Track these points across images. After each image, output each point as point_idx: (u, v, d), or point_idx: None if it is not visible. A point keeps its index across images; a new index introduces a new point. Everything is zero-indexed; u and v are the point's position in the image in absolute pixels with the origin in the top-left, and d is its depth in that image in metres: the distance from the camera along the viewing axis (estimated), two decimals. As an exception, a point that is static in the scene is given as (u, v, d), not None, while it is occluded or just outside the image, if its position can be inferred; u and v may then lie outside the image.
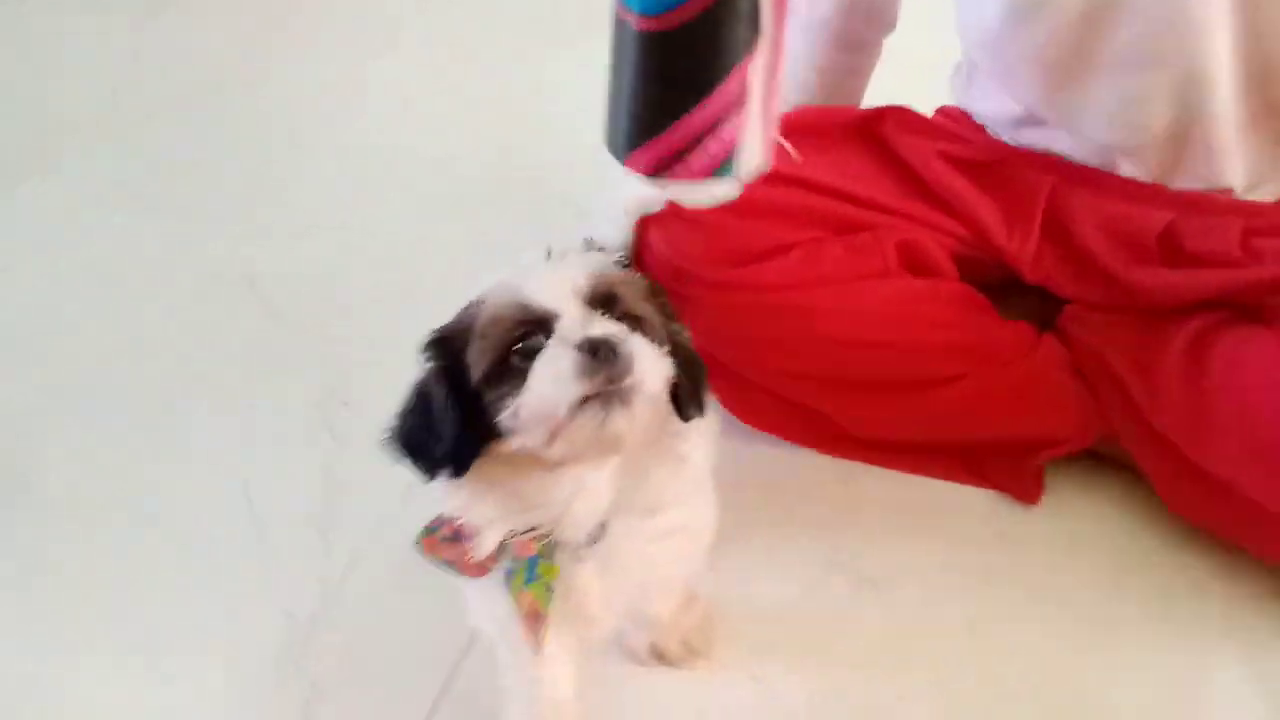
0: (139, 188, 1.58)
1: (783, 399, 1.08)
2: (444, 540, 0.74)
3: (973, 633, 0.96)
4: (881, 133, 1.11)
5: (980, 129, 1.13)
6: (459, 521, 0.72)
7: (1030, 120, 1.06)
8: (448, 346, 0.68)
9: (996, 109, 1.09)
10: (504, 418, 0.65)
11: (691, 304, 0.99)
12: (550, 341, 0.65)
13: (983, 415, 1.06)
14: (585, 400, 0.63)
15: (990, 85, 1.08)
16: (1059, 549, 1.03)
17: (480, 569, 0.73)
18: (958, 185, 1.07)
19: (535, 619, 0.72)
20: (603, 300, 0.67)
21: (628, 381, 0.63)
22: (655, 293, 0.72)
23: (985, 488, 1.08)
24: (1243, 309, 0.99)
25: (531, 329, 0.66)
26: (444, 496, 0.72)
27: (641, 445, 0.68)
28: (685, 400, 0.70)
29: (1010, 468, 1.07)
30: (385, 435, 0.71)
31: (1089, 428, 1.05)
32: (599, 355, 0.63)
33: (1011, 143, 1.09)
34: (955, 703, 0.91)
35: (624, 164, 0.59)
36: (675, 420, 0.71)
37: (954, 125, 1.14)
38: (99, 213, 1.53)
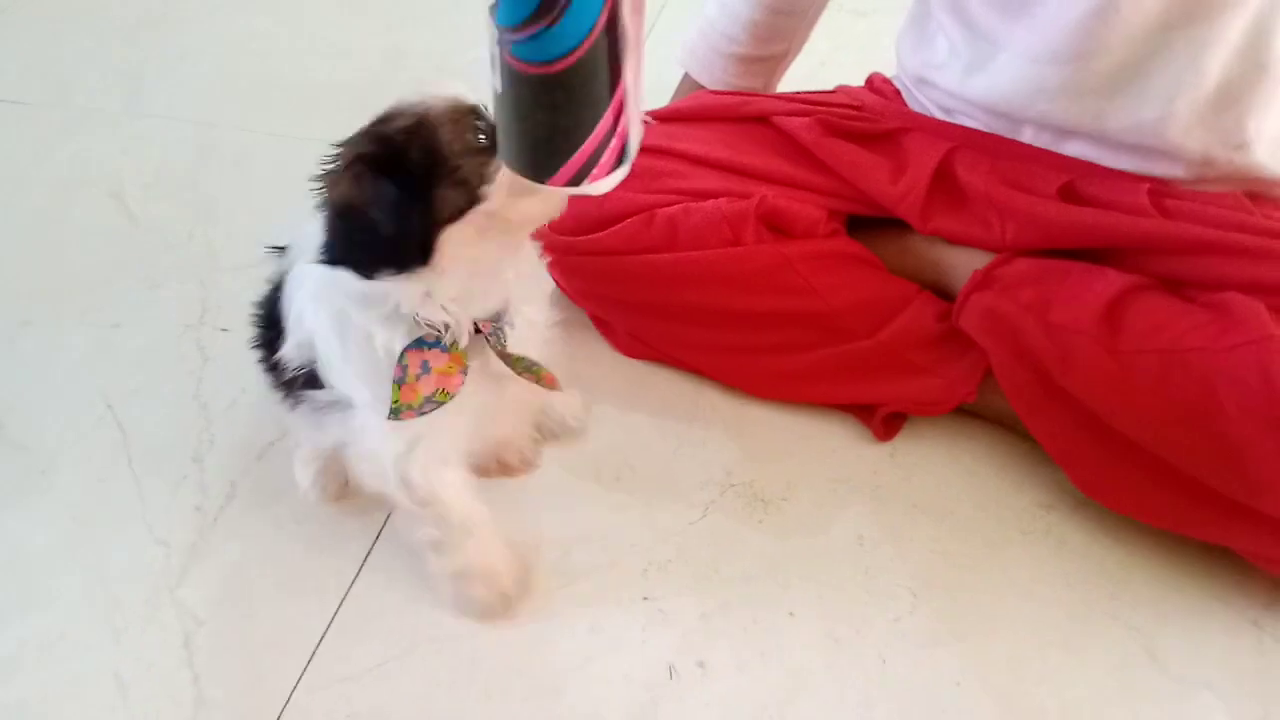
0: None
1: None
2: (418, 378, 0.79)
3: (861, 546, 0.98)
4: (773, 120, 1.11)
5: (891, 101, 1.12)
6: (426, 319, 0.78)
7: (977, 64, 1.02)
8: (382, 148, 0.73)
9: (944, 55, 1.05)
10: (491, 180, 0.74)
11: (558, 265, 1.10)
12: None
13: (833, 381, 1.07)
14: None
15: (943, 21, 1.04)
16: (950, 468, 1.05)
17: (461, 375, 0.80)
18: (842, 150, 1.06)
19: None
20: None
21: None
22: None
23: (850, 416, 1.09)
24: (1159, 279, 0.95)
25: (477, 114, 0.75)
26: (402, 303, 0.77)
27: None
28: None
29: (866, 411, 1.08)
30: (324, 255, 0.74)
31: (939, 399, 1.05)
32: None
33: (959, 94, 1.04)
34: (843, 616, 0.93)
35: (544, 183, 0.64)
36: None
37: (862, 99, 1.13)
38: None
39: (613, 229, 1.05)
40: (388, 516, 0.98)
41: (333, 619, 0.91)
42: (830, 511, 1.01)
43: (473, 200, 0.74)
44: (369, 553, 0.96)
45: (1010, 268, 1.00)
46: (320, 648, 0.90)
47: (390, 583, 0.94)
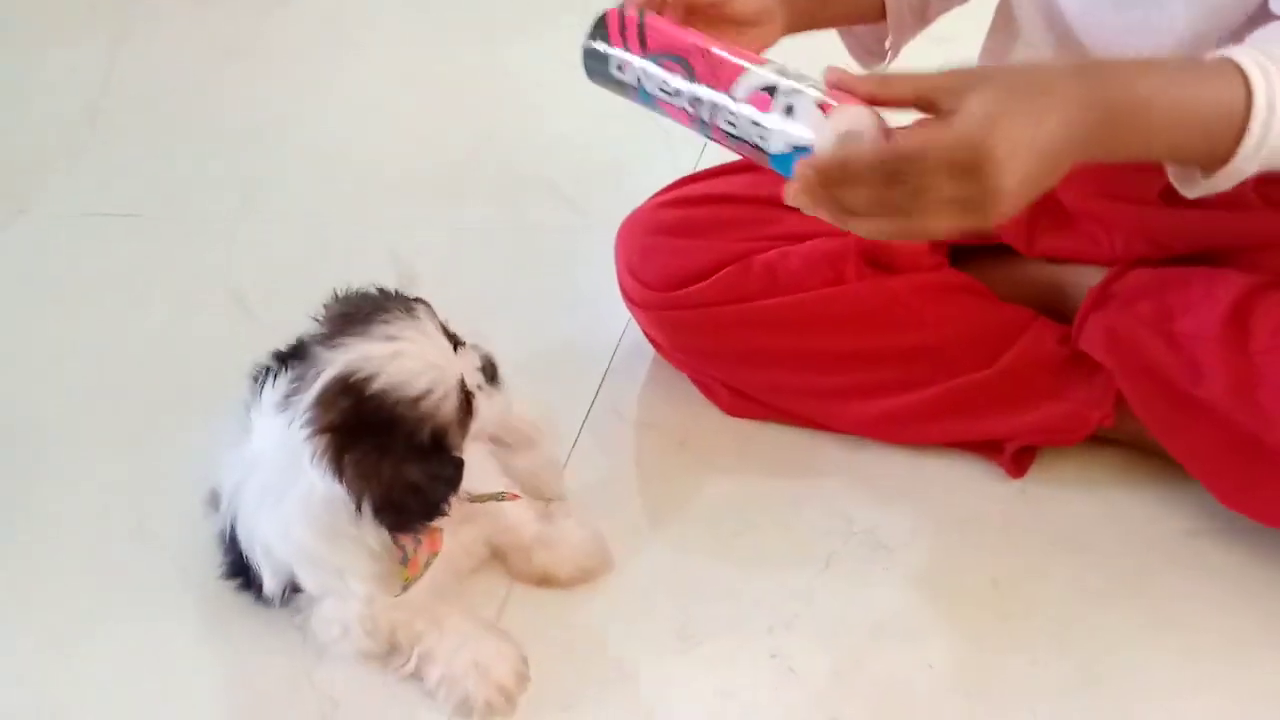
0: (116, 208, 1.57)
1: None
2: (415, 550, 0.88)
3: (996, 589, 0.94)
4: None
5: None
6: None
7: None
8: (414, 450, 0.83)
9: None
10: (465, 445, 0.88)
11: (656, 321, 1.10)
12: (475, 390, 0.88)
13: (955, 418, 1.03)
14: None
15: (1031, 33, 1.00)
16: (1085, 499, 1.00)
17: (440, 532, 0.90)
18: None
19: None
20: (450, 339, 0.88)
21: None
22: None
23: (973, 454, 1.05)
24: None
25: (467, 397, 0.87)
26: None
27: None
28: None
29: (992, 448, 1.04)
30: (395, 528, 0.85)
31: (1073, 427, 1.00)
32: (491, 373, 0.91)
33: None
34: (985, 665, 0.89)
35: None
36: None
37: None
38: (79, 239, 1.52)
39: (711, 280, 1.04)
40: (511, 585, 0.98)
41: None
42: (960, 554, 0.98)
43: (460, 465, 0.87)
44: (499, 615, 0.96)
45: (1126, 281, 0.96)
46: None
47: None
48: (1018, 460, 1.02)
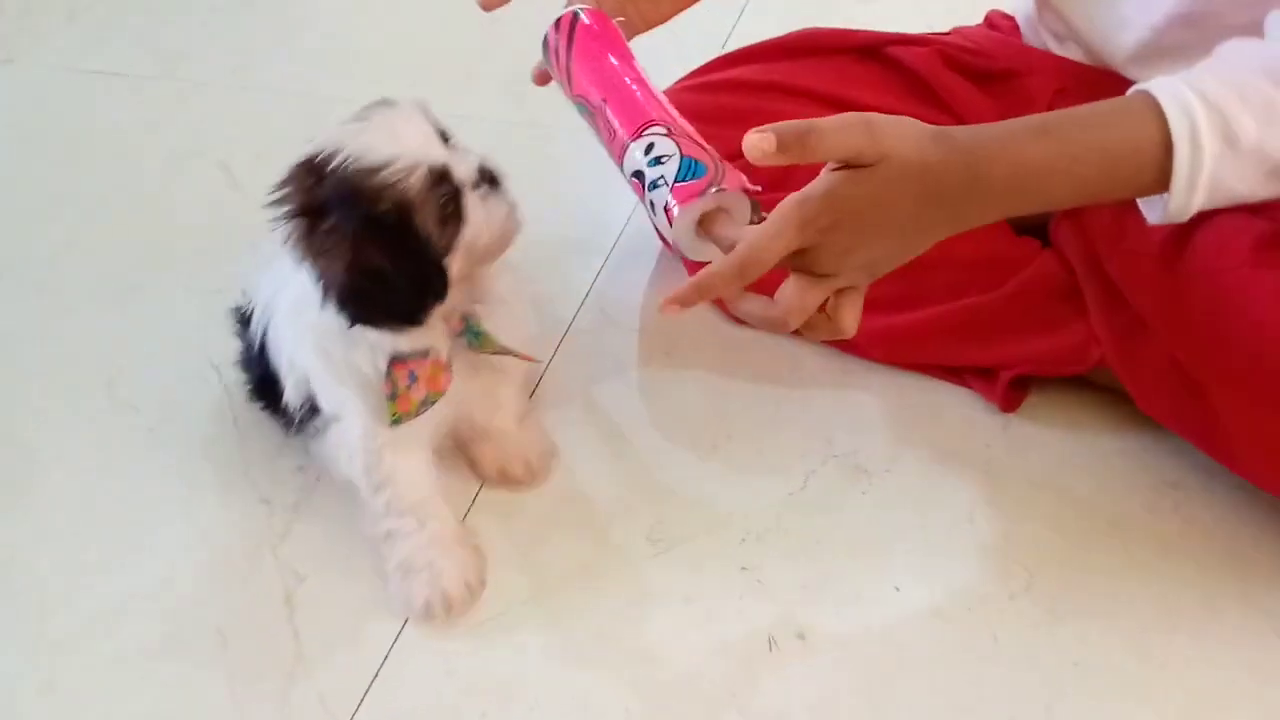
0: (107, 66, 1.52)
1: None
2: (408, 388, 0.83)
3: (972, 522, 0.94)
4: (885, 50, 1.08)
5: (1009, 37, 1.08)
6: (410, 351, 0.83)
7: None
8: (375, 228, 0.78)
9: None
10: (454, 254, 0.82)
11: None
12: (464, 188, 0.82)
13: (955, 340, 1.02)
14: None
15: None
16: (1068, 443, 0.99)
17: (447, 373, 0.85)
18: (958, 86, 1.03)
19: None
20: (441, 135, 0.83)
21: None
22: None
23: (962, 386, 1.04)
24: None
25: (444, 182, 0.80)
26: (385, 347, 0.83)
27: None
28: None
29: (985, 378, 1.03)
30: (345, 317, 0.79)
31: (1075, 358, 0.98)
32: (496, 184, 0.84)
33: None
34: (953, 592, 0.89)
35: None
36: None
37: (978, 40, 1.09)
38: (66, 94, 1.48)
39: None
40: (482, 484, 0.98)
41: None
42: (939, 485, 0.97)
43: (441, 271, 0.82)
44: (465, 515, 0.95)
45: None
46: (417, 607, 0.89)
47: (488, 544, 0.92)
48: (1010, 393, 1.01)
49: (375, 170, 0.77)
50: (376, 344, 0.82)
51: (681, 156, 0.75)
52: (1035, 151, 0.70)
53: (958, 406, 1.03)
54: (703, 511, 0.95)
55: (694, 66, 1.17)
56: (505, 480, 0.96)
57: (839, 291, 0.72)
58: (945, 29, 1.15)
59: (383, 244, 0.77)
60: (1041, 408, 1.02)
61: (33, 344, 1.14)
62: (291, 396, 0.88)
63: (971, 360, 1.02)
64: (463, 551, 0.90)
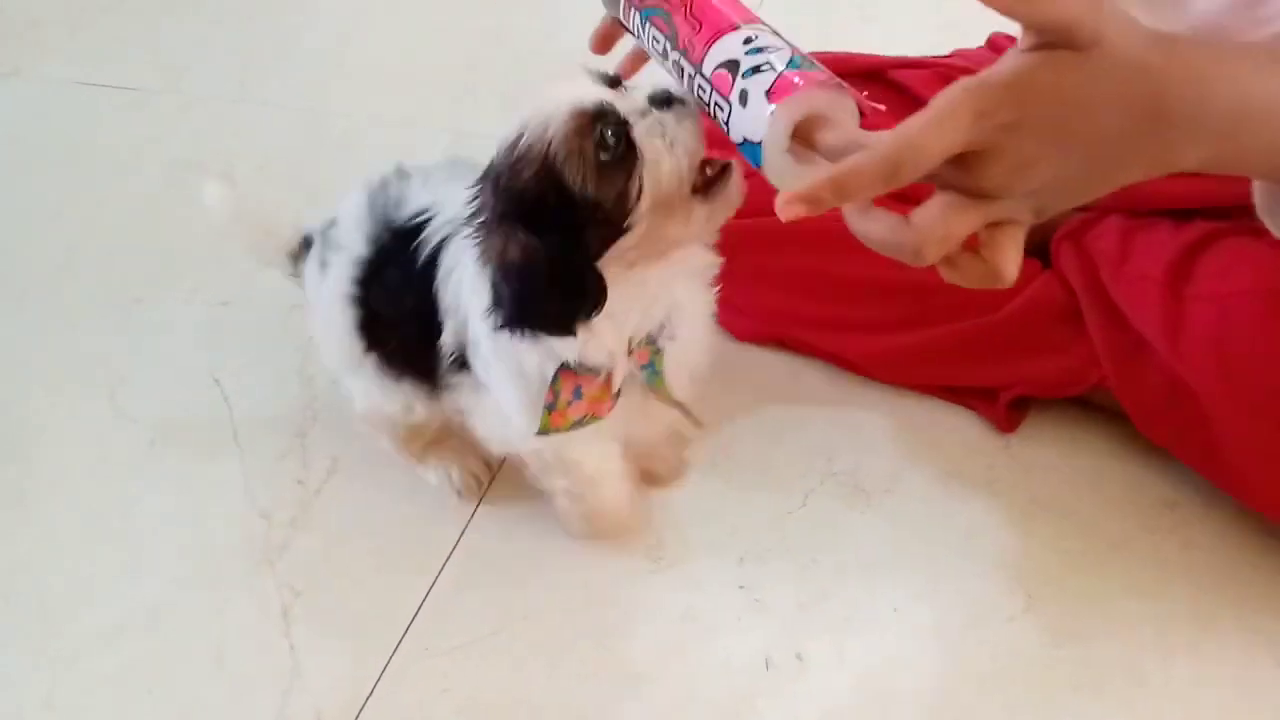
0: (111, 80, 1.52)
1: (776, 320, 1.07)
2: (569, 404, 0.76)
3: (971, 542, 0.94)
4: (888, 74, 1.08)
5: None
6: (580, 363, 0.74)
7: None
8: (519, 205, 0.68)
9: None
10: (634, 206, 0.68)
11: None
12: (631, 118, 0.68)
13: (956, 361, 1.01)
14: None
15: None
16: (1069, 463, 0.99)
17: (612, 400, 0.77)
18: None
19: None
20: (610, 81, 0.71)
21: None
22: None
23: (963, 406, 1.04)
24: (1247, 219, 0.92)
25: (601, 121, 0.67)
26: (557, 353, 0.74)
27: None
28: None
29: (985, 399, 1.03)
30: (501, 324, 0.71)
31: (1074, 380, 0.98)
32: (672, 103, 0.68)
33: None
34: (952, 613, 0.89)
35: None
36: None
37: (979, 62, 1.09)
38: (70, 106, 1.49)
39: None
40: (482, 496, 0.97)
41: (428, 594, 0.91)
42: (939, 505, 0.97)
43: (616, 233, 0.69)
44: (464, 531, 0.95)
45: (1102, 224, 0.96)
46: (415, 622, 0.89)
47: (487, 560, 0.93)
48: (1010, 413, 1.01)
49: (514, 143, 0.68)
50: (551, 346, 0.74)
51: (793, 52, 0.63)
52: (1272, 85, 0.55)
53: (958, 426, 1.03)
54: (701, 530, 0.95)
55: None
56: (648, 480, 0.97)
57: (993, 226, 0.56)
58: (946, 50, 1.16)
59: (527, 230, 0.68)
60: (1041, 428, 1.02)
61: (34, 355, 1.14)
62: (448, 340, 0.79)
63: (972, 381, 1.02)
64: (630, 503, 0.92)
